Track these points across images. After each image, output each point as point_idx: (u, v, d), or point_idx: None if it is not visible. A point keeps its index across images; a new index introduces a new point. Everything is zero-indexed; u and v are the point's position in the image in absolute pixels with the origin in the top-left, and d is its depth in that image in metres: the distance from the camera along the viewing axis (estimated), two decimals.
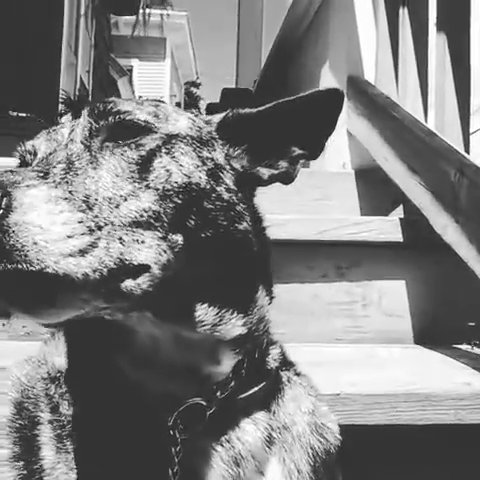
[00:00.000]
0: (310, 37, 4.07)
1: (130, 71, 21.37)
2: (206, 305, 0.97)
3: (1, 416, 1.12)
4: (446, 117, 2.13)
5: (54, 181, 0.86)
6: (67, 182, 0.87)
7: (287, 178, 1.11)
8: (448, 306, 2.12)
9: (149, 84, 22.30)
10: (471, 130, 2.14)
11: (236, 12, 7.63)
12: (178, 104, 11.68)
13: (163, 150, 0.97)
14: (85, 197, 0.87)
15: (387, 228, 2.11)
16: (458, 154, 1.92)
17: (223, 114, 1.12)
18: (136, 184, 0.92)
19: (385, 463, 1.59)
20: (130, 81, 20.39)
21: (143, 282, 0.87)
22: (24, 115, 7.45)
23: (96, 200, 0.87)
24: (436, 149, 2.01)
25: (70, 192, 0.86)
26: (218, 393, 0.98)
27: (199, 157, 1.01)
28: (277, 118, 1.08)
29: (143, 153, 0.95)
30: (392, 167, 2.36)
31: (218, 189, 1.00)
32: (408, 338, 2.11)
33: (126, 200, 0.90)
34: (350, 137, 2.99)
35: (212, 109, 6.27)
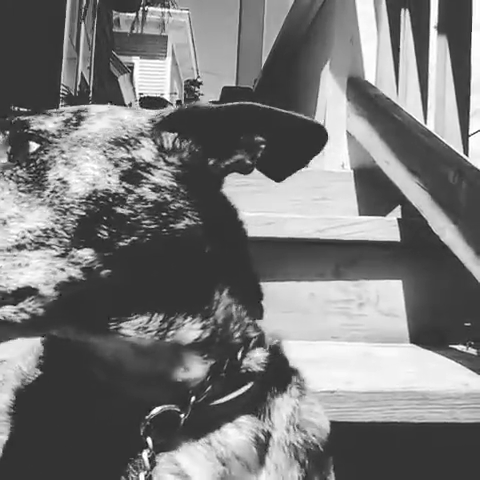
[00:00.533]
0: (311, 37, 4.08)
1: (131, 68, 21.37)
2: (148, 312, 0.92)
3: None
4: (446, 119, 2.14)
5: None
6: None
7: (244, 168, 1.04)
8: (445, 306, 2.13)
9: (150, 81, 22.31)
10: (470, 132, 2.15)
11: (238, 11, 7.65)
12: (179, 102, 11.68)
13: (60, 161, 0.91)
14: None
15: (385, 228, 2.12)
16: (457, 156, 1.93)
17: (177, 107, 1.06)
18: (24, 204, 0.87)
19: (381, 460, 1.61)
20: (131, 78, 20.39)
21: (27, 306, 0.84)
22: (25, 110, 7.45)
23: None
24: (435, 150, 2.02)
25: None
26: (192, 398, 0.95)
27: (110, 160, 0.93)
28: (241, 117, 1.01)
29: (34, 169, 0.90)
30: (391, 168, 2.37)
31: (138, 191, 0.92)
32: (404, 337, 2.12)
33: (5, 223, 0.85)
34: (349, 137, 3.00)
35: None
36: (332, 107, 3.22)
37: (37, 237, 0.86)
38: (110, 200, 0.90)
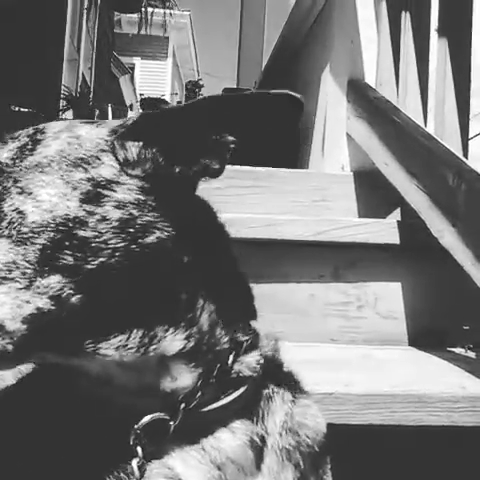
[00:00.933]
0: (312, 39, 4.08)
1: (132, 69, 21.40)
2: (125, 330, 0.90)
3: None
4: (446, 122, 2.14)
5: None
6: None
7: (212, 173, 0.99)
8: (443, 309, 2.13)
9: (151, 82, 22.32)
10: (470, 135, 2.15)
11: (239, 13, 7.64)
12: (179, 102, 11.71)
13: (15, 190, 0.88)
14: None
15: (384, 230, 2.12)
16: (457, 158, 1.93)
17: (140, 114, 1.02)
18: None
19: (379, 462, 1.61)
20: (132, 79, 20.41)
21: None
22: (26, 110, 7.45)
23: None
24: (435, 153, 2.02)
25: None
26: (182, 406, 0.94)
27: (68, 183, 0.90)
28: (206, 114, 0.97)
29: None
30: (391, 170, 2.37)
31: (100, 211, 0.89)
32: (403, 340, 2.12)
33: None
34: (349, 139, 3.00)
35: None
36: (332, 109, 3.22)
37: None
38: (70, 225, 0.87)
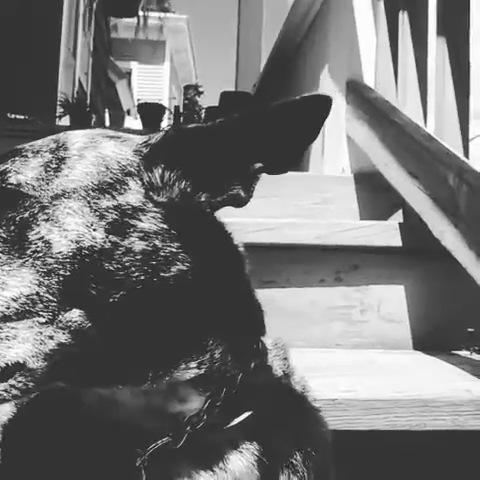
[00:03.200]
0: (310, 41, 4.08)
1: (129, 74, 21.40)
2: (140, 362, 0.89)
3: None
4: (446, 122, 2.13)
5: None
6: None
7: (239, 202, 0.95)
8: (447, 312, 2.11)
9: (148, 87, 22.32)
10: (471, 135, 2.14)
11: (236, 16, 7.64)
12: (177, 107, 11.70)
13: (41, 217, 0.85)
14: None
15: (386, 233, 2.11)
16: (457, 159, 1.91)
17: (161, 134, 0.96)
18: (4, 267, 0.83)
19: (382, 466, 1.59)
20: (129, 84, 20.42)
21: (17, 382, 0.82)
22: (22, 117, 7.45)
23: None
24: (435, 154, 2.01)
25: None
26: (188, 428, 0.92)
27: (95, 211, 0.87)
28: (239, 137, 0.92)
29: (13, 228, 0.84)
30: (392, 172, 2.35)
31: (125, 243, 0.86)
32: (407, 344, 2.10)
33: None
34: (349, 141, 2.98)
35: (211, 113, 6.27)
36: (331, 111, 3.20)
37: (22, 305, 0.82)
38: (96, 257, 0.85)
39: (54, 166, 0.90)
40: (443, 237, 1.90)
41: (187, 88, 26.65)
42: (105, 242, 0.85)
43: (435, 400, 1.49)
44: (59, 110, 9.29)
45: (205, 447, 0.95)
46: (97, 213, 0.87)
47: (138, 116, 11.50)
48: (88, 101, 11.87)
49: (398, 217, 2.69)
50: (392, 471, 1.67)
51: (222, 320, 0.96)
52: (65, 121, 9.13)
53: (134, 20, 12.71)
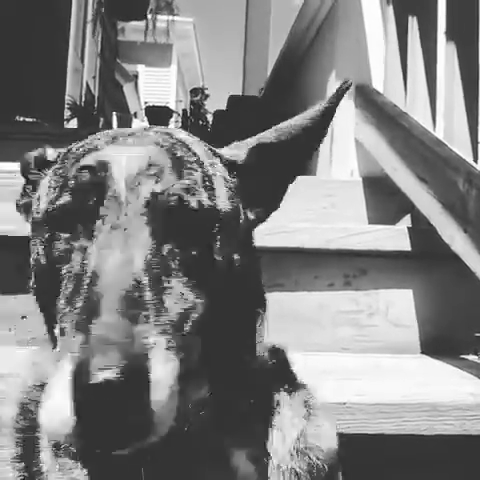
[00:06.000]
0: (317, 45, 4.07)
1: (136, 77, 21.43)
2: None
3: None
4: (455, 126, 2.13)
5: (157, 319, 0.75)
6: (158, 313, 0.75)
7: (267, 214, 1.00)
8: (455, 316, 2.11)
9: (155, 89, 22.34)
10: None
11: (244, 20, 7.65)
12: (185, 110, 11.71)
13: (218, 238, 0.86)
14: (171, 328, 0.77)
15: (395, 237, 2.10)
16: (467, 164, 1.91)
17: (247, 149, 0.95)
18: (197, 290, 0.83)
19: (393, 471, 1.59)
20: (136, 86, 20.45)
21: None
22: (30, 120, 7.46)
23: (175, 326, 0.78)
24: (445, 158, 2.00)
25: (164, 331, 0.75)
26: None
27: (235, 238, 0.90)
28: (290, 142, 0.95)
29: (200, 249, 0.85)
30: (400, 176, 2.35)
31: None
32: (415, 348, 2.10)
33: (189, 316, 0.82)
34: (358, 145, 2.98)
35: (219, 116, 6.27)
36: (340, 115, 3.20)
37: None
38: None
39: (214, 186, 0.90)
40: (452, 242, 1.90)
41: (193, 91, 26.74)
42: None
43: (443, 404, 1.48)
44: (67, 113, 9.32)
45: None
46: (235, 240, 0.91)
47: (145, 119, 11.52)
48: (96, 104, 11.90)
49: (406, 221, 2.69)
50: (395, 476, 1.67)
51: (238, 343, 0.97)
52: (73, 124, 9.16)
53: (141, 23, 12.70)
